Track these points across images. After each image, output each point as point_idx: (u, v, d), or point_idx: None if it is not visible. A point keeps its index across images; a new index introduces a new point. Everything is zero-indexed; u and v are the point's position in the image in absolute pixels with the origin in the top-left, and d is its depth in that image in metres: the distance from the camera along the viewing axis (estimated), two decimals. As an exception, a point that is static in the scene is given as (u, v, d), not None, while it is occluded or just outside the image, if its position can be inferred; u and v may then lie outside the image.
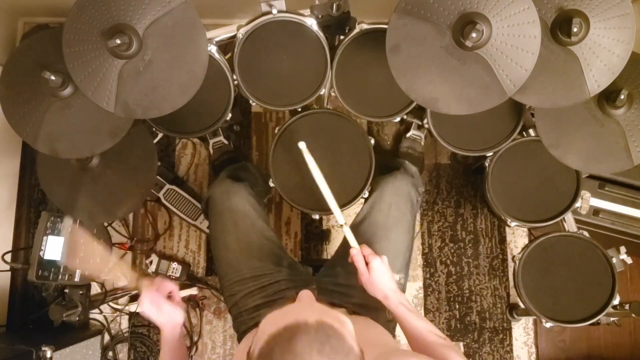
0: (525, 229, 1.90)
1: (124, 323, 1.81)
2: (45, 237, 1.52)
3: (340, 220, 1.10)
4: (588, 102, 1.15)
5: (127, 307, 1.80)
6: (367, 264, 1.05)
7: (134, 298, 1.81)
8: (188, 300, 1.81)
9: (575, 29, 0.98)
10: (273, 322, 0.67)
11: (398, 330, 1.13)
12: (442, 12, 0.98)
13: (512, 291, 1.87)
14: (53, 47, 1.07)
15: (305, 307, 0.73)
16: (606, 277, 1.33)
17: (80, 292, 1.69)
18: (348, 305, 1.15)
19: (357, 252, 1.06)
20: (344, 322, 0.68)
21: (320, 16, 1.21)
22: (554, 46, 1.03)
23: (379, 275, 1.03)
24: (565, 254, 1.36)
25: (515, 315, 1.83)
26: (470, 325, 1.86)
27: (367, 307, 1.13)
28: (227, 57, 1.31)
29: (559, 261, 1.36)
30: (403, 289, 1.22)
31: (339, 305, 1.15)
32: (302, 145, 1.14)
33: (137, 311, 0.97)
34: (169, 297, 1.02)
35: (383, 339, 1.08)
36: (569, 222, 1.44)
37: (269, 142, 1.92)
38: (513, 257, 1.42)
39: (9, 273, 1.79)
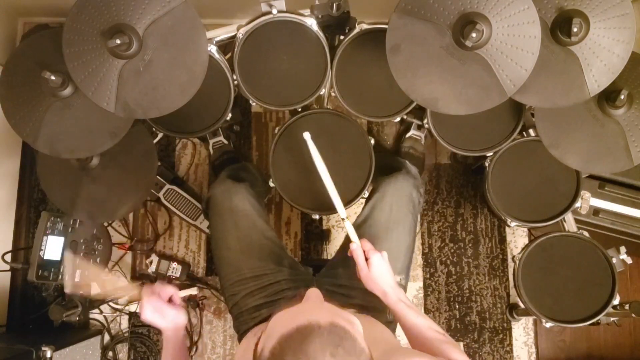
0: (525, 229, 1.90)
1: (124, 323, 1.82)
2: (45, 237, 1.52)
3: (342, 214, 1.10)
4: (588, 102, 1.15)
5: (127, 307, 1.80)
6: (366, 259, 1.04)
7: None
8: (188, 300, 1.81)
9: (575, 29, 0.98)
10: (284, 322, 0.67)
11: (398, 330, 1.13)
12: (442, 12, 0.98)
13: (512, 291, 1.87)
14: (53, 47, 1.07)
15: (317, 308, 0.72)
16: (606, 277, 1.33)
17: (81, 292, 1.69)
18: (349, 307, 1.15)
19: (357, 246, 1.05)
20: (354, 324, 0.68)
21: (320, 16, 1.21)
22: (554, 46, 1.03)
23: (379, 271, 1.03)
24: (565, 254, 1.36)
25: (515, 315, 1.83)
26: (470, 325, 1.86)
27: (368, 308, 1.13)
28: (227, 57, 1.31)
29: (559, 261, 1.36)
30: (404, 290, 1.22)
31: (341, 306, 1.15)
32: (307, 135, 1.13)
33: (138, 315, 0.97)
34: (170, 300, 1.02)
35: (385, 337, 1.07)
36: (569, 222, 1.44)
37: (269, 142, 1.92)
38: (513, 257, 1.42)
39: (9, 273, 1.79)
